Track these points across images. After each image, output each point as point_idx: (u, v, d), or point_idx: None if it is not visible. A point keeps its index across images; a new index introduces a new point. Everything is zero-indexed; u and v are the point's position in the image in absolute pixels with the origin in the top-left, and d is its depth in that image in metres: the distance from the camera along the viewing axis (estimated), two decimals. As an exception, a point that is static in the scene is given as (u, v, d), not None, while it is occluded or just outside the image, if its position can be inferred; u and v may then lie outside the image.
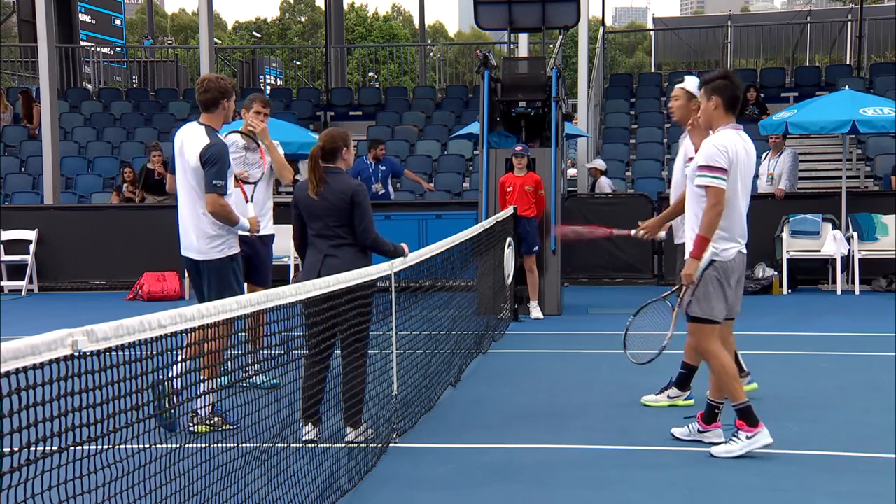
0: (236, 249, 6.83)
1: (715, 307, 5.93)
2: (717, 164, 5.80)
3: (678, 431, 6.30)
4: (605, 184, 16.85)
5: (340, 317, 5.69)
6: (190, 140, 6.66)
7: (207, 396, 5.94)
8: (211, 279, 6.76)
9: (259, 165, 7.96)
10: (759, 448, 5.83)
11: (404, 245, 6.46)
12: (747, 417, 5.85)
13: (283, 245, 10.53)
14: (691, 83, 7.16)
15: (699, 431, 6.21)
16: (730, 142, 5.88)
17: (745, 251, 6.10)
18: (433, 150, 19.94)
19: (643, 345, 6.33)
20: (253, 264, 7.82)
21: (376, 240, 6.33)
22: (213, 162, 6.51)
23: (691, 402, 7.12)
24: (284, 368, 5.45)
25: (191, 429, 5.90)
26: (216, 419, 6.02)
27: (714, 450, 5.94)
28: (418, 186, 18.45)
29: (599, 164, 17.20)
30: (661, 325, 6.40)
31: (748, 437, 5.83)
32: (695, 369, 7.09)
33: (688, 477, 5.55)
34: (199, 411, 5.99)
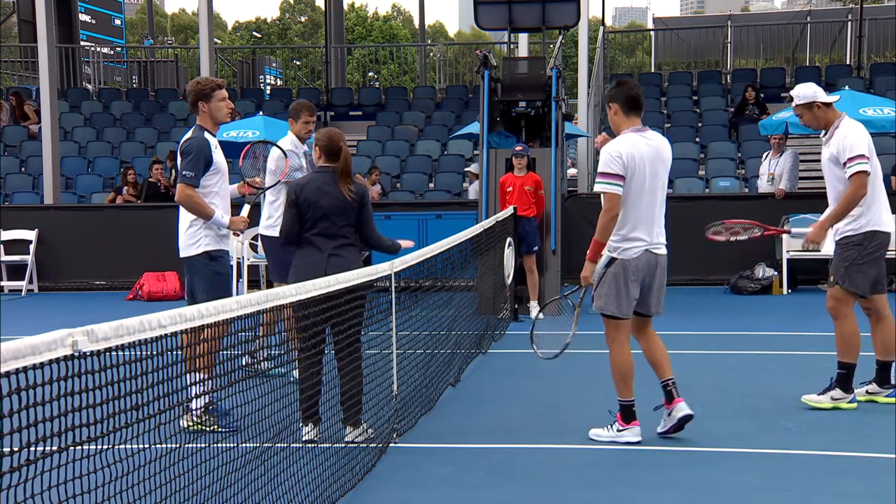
0: (217, 247, 6.80)
1: (610, 304, 6.15)
2: (611, 171, 6.02)
3: (662, 428, 6.32)
4: (474, 190, 16.94)
5: (341, 316, 5.70)
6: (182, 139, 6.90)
7: (201, 396, 5.85)
8: (190, 276, 6.85)
9: (302, 170, 8.36)
10: (623, 442, 6.17)
11: (406, 242, 6.55)
12: (626, 414, 6.23)
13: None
14: (799, 95, 7.08)
15: (668, 414, 6.28)
16: (624, 146, 6.06)
17: (657, 250, 6.18)
18: (433, 150, 19.94)
19: (549, 342, 6.44)
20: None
21: (380, 237, 6.51)
22: (187, 154, 6.68)
23: (854, 405, 7.04)
24: (285, 368, 5.46)
25: (180, 423, 5.87)
26: (207, 419, 6.00)
27: (591, 431, 6.35)
28: (418, 186, 18.48)
29: (475, 168, 17.33)
30: (564, 324, 6.61)
31: (618, 431, 6.22)
32: (853, 367, 7.06)
33: (688, 477, 5.55)
34: (192, 408, 5.95)
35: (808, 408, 7.06)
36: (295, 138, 8.53)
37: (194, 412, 5.97)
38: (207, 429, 5.81)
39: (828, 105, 7.06)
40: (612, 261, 6.14)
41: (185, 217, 6.79)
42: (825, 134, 7.10)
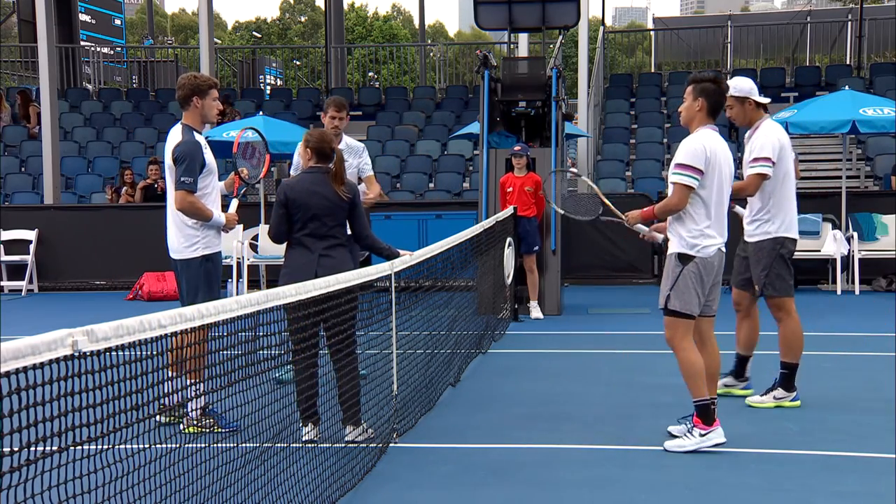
0: (213, 250, 6.76)
1: (692, 301, 6.04)
2: (694, 164, 5.96)
3: (676, 430, 6.30)
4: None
5: (339, 317, 5.69)
6: (169, 140, 6.75)
7: (198, 398, 5.80)
8: (183, 278, 6.78)
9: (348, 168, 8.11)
10: (709, 446, 5.95)
11: (405, 253, 6.48)
12: (705, 415, 6.00)
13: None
14: (736, 87, 7.18)
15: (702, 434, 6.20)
16: (710, 143, 6.03)
17: (724, 249, 6.20)
18: (433, 150, 19.94)
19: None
20: None
21: (375, 238, 6.43)
22: (183, 159, 6.56)
23: (797, 403, 7.14)
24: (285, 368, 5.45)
25: (180, 428, 5.89)
26: (207, 421, 5.99)
27: (667, 444, 6.07)
28: (418, 186, 18.49)
29: None
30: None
31: (702, 435, 5.98)
32: (795, 367, 7.17)
33: (688, 477, 5.55)
34: (189, 412, 5.96)
35: (750, 406, 7.16)
36: None
37: (191, 414, 5.95)
38: (207, 430, 5.81)
39: (759, 105, 7.20)
40: (688, 258, 6.03)
41: (178, 219, 6.72)
42: (749, 132, 7.26)
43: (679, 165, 5.99)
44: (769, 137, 7.09)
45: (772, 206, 7.12)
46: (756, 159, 7.04)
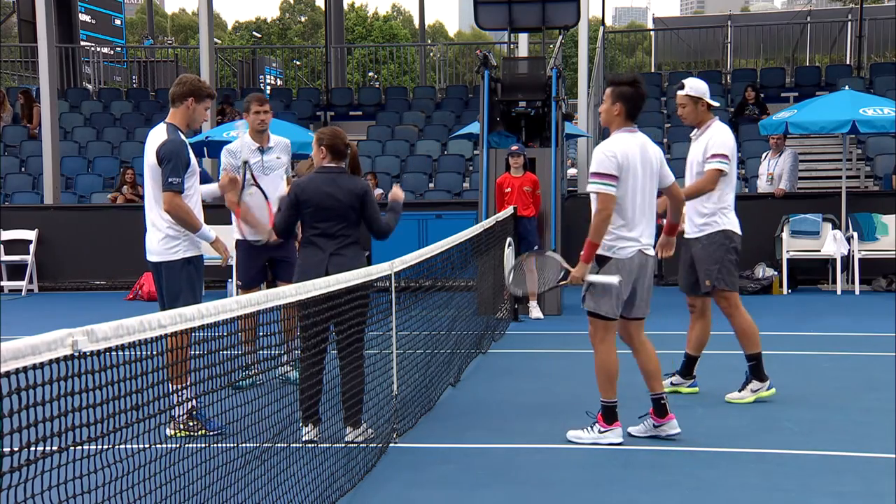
0: (195, 252, 6.59)
1: (604, 304, 6.10)
2: (606, 171, 6.01)
3: (635, 430, 6.33)
4: None
5: (341, 316, 5.70)
6: (151, 138, 6.53)
7: (184, 400, 5.70)
8: (164, 281, 6.60)
9: (280, 166, 8.13)
10: (605, 444, 6.11)
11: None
12: (608, 415, 6.16)
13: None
14: (693, 87, 7.32)
15: (654, 426, 6.26)
16: (619, 146, 6.07)
17: (647, 251, 6.19)
18: (433, 150, 19.94)
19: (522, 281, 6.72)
20: (287, 263, 7.79)
21: (388, 226, 6.51)
22: (168, 159, 6.34)
23: (773, 391, 7.28)
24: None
25: (166, 432, 5.83)
26: (193, 423, 5.94)
27: (569, 433, 6.26)
28: (418, 186, 18.47)
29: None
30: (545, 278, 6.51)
31: (600, 432, 6.15)
32: (760, 356, 7.31)
33: (688, 477, 5.55)
34: (175, 416, 5.86)
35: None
36: (248, 139, 8.12)
37: (178, 420, 5.91)
38: (195, 434, 5.77)
39: (710, 107, 7.37)
40: (604, 260, 6.10)
41: (158, 220, 6.52)
42: (696, 131, 7.42)
43: (593, 175, 6.07)
44: (726, 137, 7.31)
45: (722, 202, 7.29)
46: (714, 155, 7.20)
